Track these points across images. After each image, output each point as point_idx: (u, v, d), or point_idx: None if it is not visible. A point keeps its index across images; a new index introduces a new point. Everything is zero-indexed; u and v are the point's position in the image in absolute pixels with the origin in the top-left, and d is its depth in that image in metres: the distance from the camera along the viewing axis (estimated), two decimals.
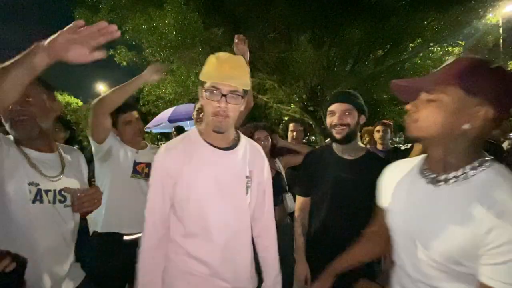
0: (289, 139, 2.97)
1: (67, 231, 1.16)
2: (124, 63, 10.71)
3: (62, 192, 1.12)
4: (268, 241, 1.27)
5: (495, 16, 10.57)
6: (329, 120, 1.50)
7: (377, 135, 3.34)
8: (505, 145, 3.21)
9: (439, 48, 10.94)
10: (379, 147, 3.33)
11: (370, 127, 3.57)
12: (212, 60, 1.05)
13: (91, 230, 1.77)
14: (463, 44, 12.91)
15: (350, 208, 1.44)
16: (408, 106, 0.81)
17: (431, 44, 9.90)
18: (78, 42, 0.77)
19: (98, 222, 1.71)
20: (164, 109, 8.64)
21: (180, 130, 5.92)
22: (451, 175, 0.75)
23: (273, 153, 2.24)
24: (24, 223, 1.02)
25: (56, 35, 0.78)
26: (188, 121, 6.14)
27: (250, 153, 1.19)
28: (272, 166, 2.20)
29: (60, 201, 1.12)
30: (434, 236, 0.75)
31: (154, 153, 2.00)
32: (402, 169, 0.94)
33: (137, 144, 1.86)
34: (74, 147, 1.40)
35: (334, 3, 7.73)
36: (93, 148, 1.72)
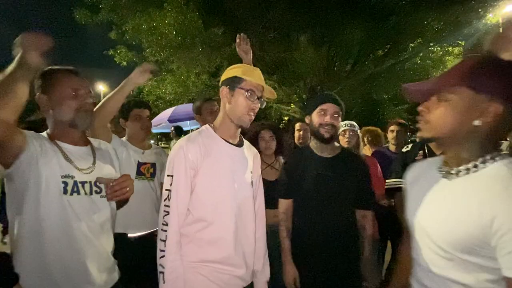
0: (296, 139, 2.97)
1: (106, 220, 1.22)
2: (124, 63, 10.70)
3: (98, 183, 1.18)
4: (259, 232, 1.38)
5: (495, 16, 10.55)
6: (319, 118, 1.51)
7: (390, 135, 3.08)
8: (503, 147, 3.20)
9: (439, 48, 10.92)
10: (392, 148, 3.05)
11: (371, 127, 3.53)
12: (245, 66, 1.29)
13: None
14: (463, 44, 12.91)
15: (333, 203, 1.50)
16: (420, 108, 0.84)
17: (431, 44, 9.89)
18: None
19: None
20: (164, 109, 8.64)
21: (178, 130, 5.92)
22: (462, 167, 0.79)
23: (279, 152, 2.24)
24: (62, 215, 1.07)
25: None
26: (188, 121, 6.13)
27: (251, 152, 1.36)
28: (277, 168, 2.19)
29: (96, 192, 1.18)
30: (443, 226, 0.78)
31: (157, 153, 2.02)
32: (423, 165, 0.99)
33: (142, 142, 1.90)
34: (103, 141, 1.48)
35: (334, 3, 7.73)
36: None
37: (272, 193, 2.13)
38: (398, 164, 2.18)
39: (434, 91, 0.80)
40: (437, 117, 0.79)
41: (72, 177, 1.12)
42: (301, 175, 1.55)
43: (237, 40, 1.62)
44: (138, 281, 1.79)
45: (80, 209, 1.11)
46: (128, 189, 1.18)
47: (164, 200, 1.16)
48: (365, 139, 3.40)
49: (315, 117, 1.52)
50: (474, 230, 0.71)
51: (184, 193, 1.15)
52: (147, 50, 9.56)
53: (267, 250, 1.42)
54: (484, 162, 0.77)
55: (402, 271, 1.04)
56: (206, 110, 2.19)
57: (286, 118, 15.73)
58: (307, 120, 1.60)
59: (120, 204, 1.35)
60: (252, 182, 1.31)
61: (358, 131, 2.71)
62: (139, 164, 1.80)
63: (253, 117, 1.24)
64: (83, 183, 1.14)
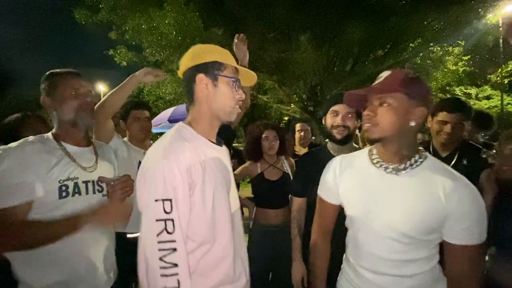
0: (297, 140, 2.95)
1: None
2: (124, 63, 10.72)
3: (99, 183, 1.20)
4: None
5: (495, 16, 10.55)
6: (331, 120, 1.51)
7: None
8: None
9: (439, 48, 10.94)
10: None
11: None
12: (218, 47, 1.03)
13: None
14: (463, 44, 12.92)
15: None
16: (366, 112, 0.96)
17: (431, 44, 9.91)
18: None
19: None
20: (164, 109, 8.63)
21: None
22: (408, 164, 0.95)
23: (281, 152, 2.23)
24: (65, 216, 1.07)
25: None
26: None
27: (227, 152, 1.14)
28: (280, 167, 2.19)
29: (98, 191, 1.19)
30: (407, 215, 0.91)
31: None
32: (350, 164, 1.10)
33: (142, 142, 1.89)
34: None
35: (334, 3, 7.73)
36: None
37: (274, 193, 2.13)
38: None
39: (375, 96, 0.94)
40: (384, 119, 0.92)
41: (76, 178, 1.13)
42: (316, 175, 1.54)
43: (235, 40, 1.58)
44: (137, 281, 1.80)
45: (82, 209, 1.10)
46: (128, 188, 1.20)
47: (160, 234, 0.82)
48: (366, 139, 3.40)
49: (328, 119, 1.53)
50: (441, 213, 0.88)
51: (186, 219, 0.88)
52: (147, 50, 9.57)
53: None
54: (420, 157, 0.95)
55: (324, 263, 1.20)
56: None
57: (286, 118, 15.73)
58: (323, 121, 1.59)
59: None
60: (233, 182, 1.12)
61: (357, 131, 2.71)
62: (140, 164, 1.80)
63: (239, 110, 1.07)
64: (86, 182, 1.17)
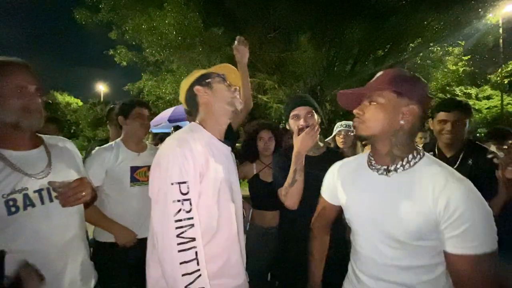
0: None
1: (73, 226, 1.12)
2: (124, 63, 10.73)
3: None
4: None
5: (495, 16, 10.56)
6: (295, 123, 1.56)
7: None
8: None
9: (439, 48, 10.95)
10: None
11: None
12: (201, 70, 1.21)
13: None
14: (463, 44, 12.93)
15: (316, 201, 1.48)
16: (355, 111, 0.96)
17: (431, 44, 9.91)
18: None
19: (100, 232, 1.72)
20: (164, 109, 8.65)
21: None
22: (399, 164, 0.92)
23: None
24: (22, 235, 0.96)
25: None
26: (188, 121, 6.13)
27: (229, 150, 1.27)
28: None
29: (57, 198, 1.05)
30: (396, 218, 0.87)
31: (153, 154, 1.99)
32: (348, 167, 1.10)
33: (139, 141, 1.87)
34: (60, 137, 1.30)
35: (334, 3, 7.72)
36: None
37: (270, 195, 2.11)
38: None
39: (365, 95, 0.94)
40: (370, 117, 0.92)
41: (23, 189, 0.98)
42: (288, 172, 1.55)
43: (235, 42, 1.59)
44: (137, 284, 1.79)
45: (39, 223, 1.00)
46: (84, 193, 1.04)
47: (177, 213, 0.91)
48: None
49: (291, 123, 1.59)
50: (429, 216, 0.82)
51: (195, 203, 0.97)
52: (147, 50, 9.57)
53: None
54: (414, 158, 0.91)
55: (319, 264, 1.23)
56: None
57: None
58: (287, 127, 1.64)
59: (91, 201, 1.21)
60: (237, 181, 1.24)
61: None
62: (133, 170, 1.75)
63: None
64: (39, 191, 1.01)
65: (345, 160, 1.17)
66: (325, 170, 1.50)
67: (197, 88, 1.16)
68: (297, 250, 1.53)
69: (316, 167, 1.52)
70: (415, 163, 0.90)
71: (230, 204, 1.09)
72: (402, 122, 0.89)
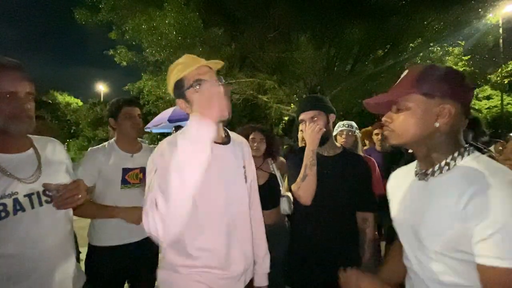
0: (299, 139, 2.97)
1: (63, 231, 1.12)
2: (124, 63, 10.72)
3: (47, 192, 1.04)
4: (259, 231, 1.32)
5: (495, 16, 10.56)
6: (302, 127, 1.60)
7: (375, 138, 3.27)
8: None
9: (439, 48, 10.93)
10: (378, 148, 3.26)
11: (368, 128, 3.51)
12: (175, 63, 1.18)
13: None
14: (463, 44, 12.92)
15: (331, 201, 1.50)
16: (383, 119, 0.90)
17: (431, 44, 9.91)
18: None
19: (94, 236, 1.70)
20: (164, 109, 8.63)
21: (179, 130, 5.90)
22: (436, 167, 0.83)
23: (268, 155, 2.22)
24: (11, 241, 0.96)
25: None
26: (188, 121, 6.12)
27: (240, 147, 1.29)
28: (266, 169, 2.18)
29: (47, 202, 1.04)
30: (430, 226, 0.79)
31: (148, 155, 1.93)
32: (399, 175, 1.03)
33: (133, 142, 1.80)
34: (50, 137, 1.27)
35: (334, 3, 7.73)
36: None
37: (261, 196, 2.09)
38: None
39: (392, 102, 0.87)
40: (399, 125, 0.85)
41: (12, 194, 0.97)
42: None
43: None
44: (131, 281, 1.78)
45: (28, 227, 0.99)
46: (80, 196, 1.03)
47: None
48: (365, 141, 3.43)
49: (301, 127, 1.62)
50: (457, 223, 0.73)
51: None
52: (147, 50, 9.56)
53: (267, 244, 1.36)
54: (454, 159, 0.81)
55: (391, 271, 1.05)
56: None
57: (286, 118, 15.73)
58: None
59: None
60: (246, 177, 1.24)
61: (357, 131, 2.71)
62: (125, 172, 1.69)
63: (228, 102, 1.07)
64: (29, 195, 1.00)
65: (402, 168, 1.07)
66: (339, 171, 1.54)
67: (179, 102, 1.17)
68: (307, 248, 1.54)
69: (332, 167, 1.55)
70: (454, 165, 0.81)
71: (219, 200, 1.11)
72: (437, 124, 0.80)
